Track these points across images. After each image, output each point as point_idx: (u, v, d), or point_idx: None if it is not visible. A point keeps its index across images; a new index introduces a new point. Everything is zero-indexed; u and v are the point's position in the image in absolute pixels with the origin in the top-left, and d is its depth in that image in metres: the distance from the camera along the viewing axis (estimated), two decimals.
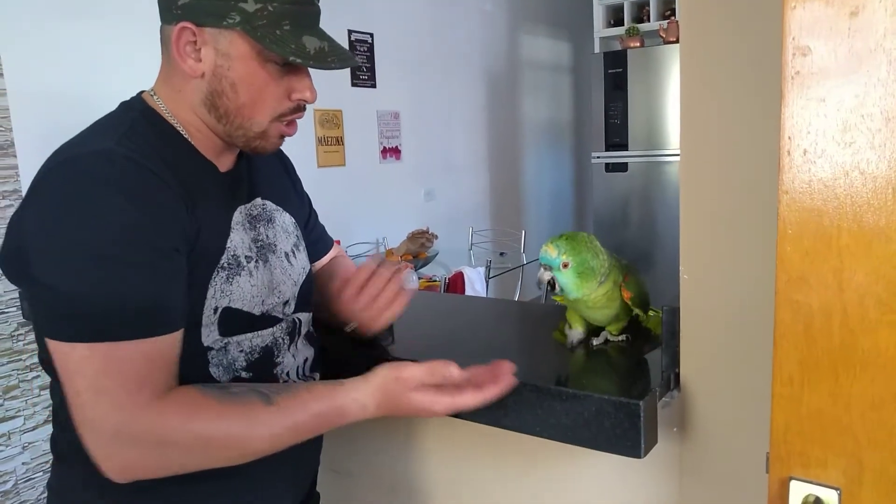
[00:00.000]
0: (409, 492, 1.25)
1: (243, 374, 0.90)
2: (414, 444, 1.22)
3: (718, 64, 0.81)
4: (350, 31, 3.82)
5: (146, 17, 0.87)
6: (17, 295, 2.16)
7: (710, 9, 0.81)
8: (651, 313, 1.02)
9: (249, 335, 0.90)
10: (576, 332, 1.01)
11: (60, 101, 2.30)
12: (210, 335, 0.86)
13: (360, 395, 0.84)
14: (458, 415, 0.93)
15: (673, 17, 4.60)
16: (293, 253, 1.00)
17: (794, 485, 0.62)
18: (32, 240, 0.76)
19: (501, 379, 0.83)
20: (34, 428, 2.28)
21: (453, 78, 4.63)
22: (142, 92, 0.91)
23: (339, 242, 1.25)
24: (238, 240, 0.89)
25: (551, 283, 0.91)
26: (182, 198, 0.81)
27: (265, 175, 1.01)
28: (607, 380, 0.92)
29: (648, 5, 4.73)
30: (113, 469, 0.76)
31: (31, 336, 2.25)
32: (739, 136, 0.80)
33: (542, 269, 0.91)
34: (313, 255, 1.12)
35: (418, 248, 3.54)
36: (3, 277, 2.16)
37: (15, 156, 2.19)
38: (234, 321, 0.88)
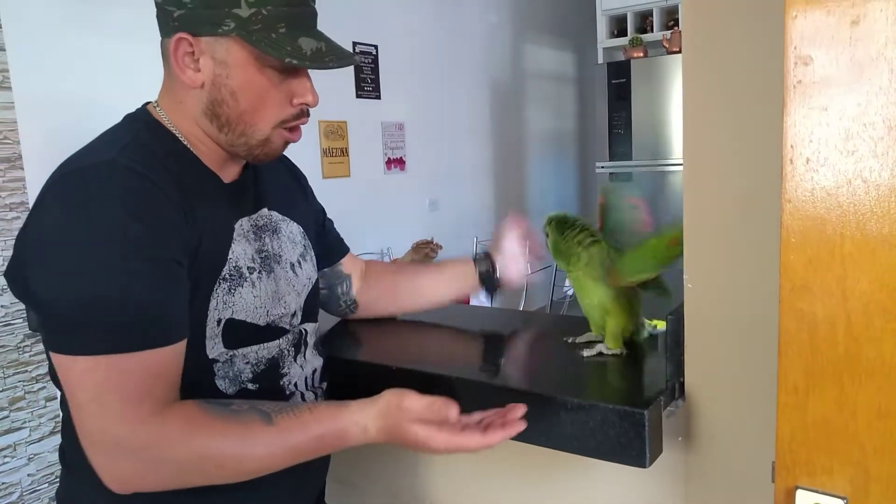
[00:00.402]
0: (414, 502, 1.25)
1: (250, 386, 0.90)
2: (419, 455, 1.22)
3: (721, 73, 0.81)
4: (355, 43, 3.84)
5: (154, 30, 0.87)
6: (23, 307, 2.17)
7: (713, 19, 0.81)
8: (655, 323, 1.01)
9: (255, 347, 0.90)
10: (588, 335, 1.03)
11: (68, 114, 2.32)
12: (215, 347, 0.86)
13: (362, 418, 0.82)
14: None
15: (676, 28, 4.61)
16: (299, 263, 1.00)
17: (800, 494, 0.62)
18: (35, 253, 0.77)
19: (510, 425, 0.80)
20: (40, 439, 2.28)
21: (458, 88, 4.65)
22: (146, 104, 0.92)
23: None
24: (240, 251, 0.89)
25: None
26: (183, 209, 0.81)
27: (272, 185, 1.00)
28: (612, 389, 0.92)
29: (652, 16, 4.74)
30: (112, 480, 0.76)
31: (38, 347, 2.26)
32: (742, 144, 0.80)
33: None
34: (330, 258, 1.14)
35: (423, 258, 3.54)
36: (9, 290, 2.17)
37: (22, 168, 2.21)
38: (238, 333, 0.88)
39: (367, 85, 3.95)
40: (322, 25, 0.89)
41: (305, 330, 0.99)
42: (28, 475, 2.26)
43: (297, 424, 0.80)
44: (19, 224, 2.19)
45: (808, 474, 0.61)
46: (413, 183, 4.29)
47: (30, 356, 2.25)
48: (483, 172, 4.97)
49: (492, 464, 1.13)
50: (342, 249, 1.18)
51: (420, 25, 4.32)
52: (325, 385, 1.03)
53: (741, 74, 0.80)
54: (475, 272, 1.17)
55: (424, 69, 4.34)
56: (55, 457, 2.30)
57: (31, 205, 2.30)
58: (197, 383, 0.83)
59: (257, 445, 0.78)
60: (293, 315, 0.96)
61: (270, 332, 0.92)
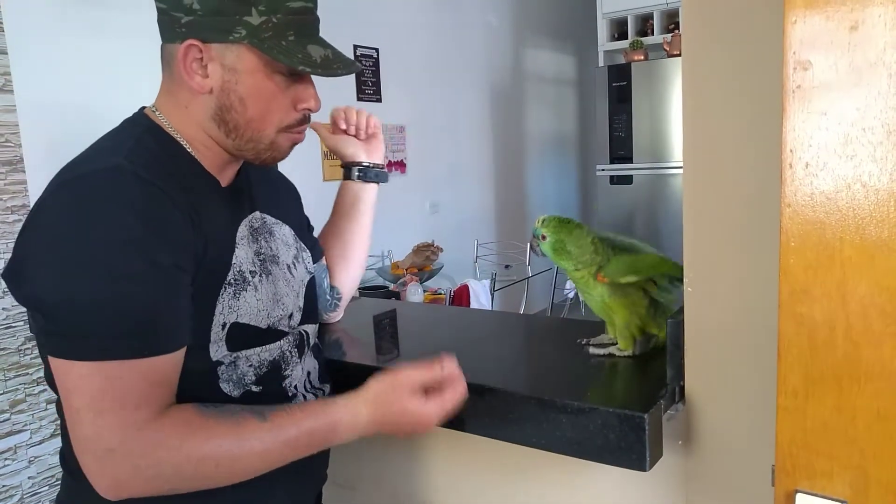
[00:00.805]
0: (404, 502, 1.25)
1: (253, 389, 0.90)
2: (418, 457, 1.22)
3: (721, 77, 0.81)
4: (356, 46, 3.85)
5: (156, 33, 0.88)
6: (25, 309, 2.17)
7: (712, 23, 0.81)
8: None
9: (257, 349, 0.90)
10: (603, 336, 1.04)
11: (69, 118, 2.32)
12: (218, 351, 0.86)
13: (353, 404, 0.85)
14: (462, 427, 0.94)
15: (676, 31, 4.62)
16: (294, 265, 1.01)
17: (800, 497, 0.62)
18: (36, 256, 0.77)
19: (452, 374, 0.87)
20: (41, 442, 2.28)
21: (458, 91, 4.66)
22: (143, 108, 0.92)
23: None
24: (243, 255, 0.90)
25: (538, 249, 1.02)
26: (189, 215, 0.81)
27: (263, 189, 1.02)
28: (612, 393, 0.92)
29: (652, 19, 4.75)
30: (105, 487, 0.76)
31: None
32: (742, 148, 0.81)
33: (532, 236, 1.03)
34: (314, 257, 1.14)
35: (423, 261, 3.54)
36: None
37: (24, 171, 2.21)
38: (241, 336, 0.88)
39: (368, 88, 3.96)
40: (323, 28, 0.89)
41: (306, 331, 1.00)
42: (29, 478, 2.26)
43: (288, 419, 0.82)
44: (20, 226, 2.19)
45: (808, 478, 0.61)
46: (414, 185, 4.29)
47: (31, 359, 2.25)
48: (484, 175, 4.98)
49: (491, 467, 1.13)
50: (320, 251, 1.19)
51: (421, 28, 4.33)
52: (327, 388, 1.03)
53: (741, 78, 0.80)
54: (355, 184, 1.20)
55: (425, 72, 4.35)
56: (56, 459, 2.30)
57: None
58: (201, 386, 0.83)
59: (252, 441, 0.79)
60: (290, 317, 0.96)
61: (271, 334, 0.93)
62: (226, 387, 0.88)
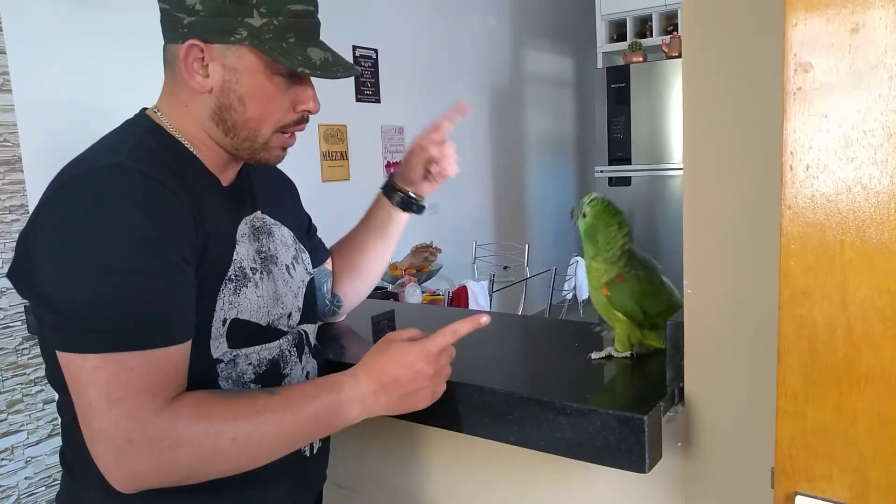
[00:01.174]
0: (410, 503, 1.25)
1: (252, 387, 0.91)
2: (417, 459, 1.22)
3: (721, 79, 0.81)
4: (354, 47, 3.85)
5: (154, 33, 0.88)
6: (22, 309, 2.17)
7: (713, 24, 0.81)
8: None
9: (257, 348, 0.91)
10: (609, 335, 1.04)
11: (68, 117, 2.32)
12: (219, 347, 0.87)
13: (351, 370, 0.86)
14: (461, 428, 0.93)
15: (675, 33, 4.62)
16: (293, 265, 1.02)
17: (799, 500, 0.62)
18: (45, 253, 0.77)
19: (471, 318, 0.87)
20: (38, 442, 2.28)
21: (457, 93, 4.65)
22: (144, 109, 0.92)
23: None
24: (244, 252, 0.91)
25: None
26: (191, 211, 0.82)
27: (263, 190, 1.02)
28: (611, 394, 0.92)
29: (651, 20, 4.76)
30: (121, 479, 0.76)
31: (36, 350, 2.25)
32: (742, 150, 0.81)
33: (576, 205, 1.02)
34: (316, 260, 1.15)
35: (422, 262, 3.54)
36: (8, 291, 2.17)
37: (22, 171, 2.21)
38: (242, 333, 0.89)
39: (367, 88, 3.96)
40: (322, 30, 0.90)
41: (305, 331, 1.01)
42: (25, 478, 2.25)
43: (295, 389, 0.84)
44: (19, 226, 2.19)
45: (808, 480, 0.61)
46: None
47: (28, 359, 2.24)
48: (482, 176, 4.98)
49: (491, 468, 1.13)
50: (325, 252, 1.20)
51: (420, 29, 4.33)
52: None
53: (741, 80, 0.80)
54: (394, 208, 1.18)
55: (424, 73, 4.35)
56: (53, 460, 2.29)
57: (30, 207, 2.30)
58: (200, 384, 0.83)
59: (265, 412, 0.80)
60: (289, 316, 0.97)
61: (270, 332, 0.93)
62: (225, 385, 0.88)
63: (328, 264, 1.20)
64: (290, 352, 0.96)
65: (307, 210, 1.17)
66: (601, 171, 4.73)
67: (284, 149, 0.93)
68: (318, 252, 1.17)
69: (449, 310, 2.74)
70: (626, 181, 4.63)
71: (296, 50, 0.84)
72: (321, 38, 0.89)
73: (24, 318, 2.16)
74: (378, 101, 4.03)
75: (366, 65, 3.93)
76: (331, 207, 3.47)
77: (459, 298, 3.39)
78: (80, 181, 0.79)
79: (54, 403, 2.28)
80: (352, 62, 0.92)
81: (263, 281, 0.92)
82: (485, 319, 0.88)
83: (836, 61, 0.55)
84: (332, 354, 1.11)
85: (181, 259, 0.80)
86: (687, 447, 0.89)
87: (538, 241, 5.36)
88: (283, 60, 0.83)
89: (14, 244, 2.18)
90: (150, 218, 0.77)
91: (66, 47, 2.36)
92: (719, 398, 0.86)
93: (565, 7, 5.72)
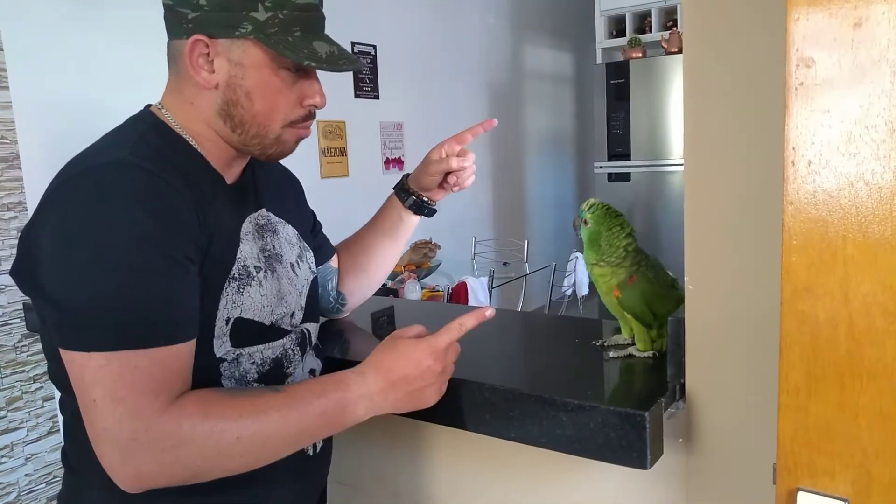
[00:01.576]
0: (415, 503, 1.25)
1: (255, 387, 0.90)
2: (418, 455, 1.22)
3: (722, 75, 0.81)
4: (353, 43, 3.84)
5: (152, 29, 0.88)
6: (21, 306, 2.17)
7: (714, 20, 0.81)
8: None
9: (261, 347, 0.91)
10: (617, 337, 1.02)
11: (66, 114, 2.32)
12: (222, 346, 0.86)
13: (357, 367, 0.85)
14: (462, 425, 0.93)
15: (675, 28, 4.62)
16: (297, 264, 1.01)
17: (801, 496, 0.61)
18: (48, 251, 0.77)
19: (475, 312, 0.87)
20: (37, 439, 2.28)
21: (456, 89, 4.65)
22: (149, 105, 0.92)
23: None
24: (248, 250, 0.90)
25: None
26: (194, 208, 0.81)
27: (268, 187, 1.02)
28: (612, 391, 0.92)
29: (650, 16, 4.75)
30: (126, 478, 0.75)
31: (36, 347, 2.25)
32: (744, 146, 0.80)
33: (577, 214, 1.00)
34: (321, 258, 1.14)
35: (421, 259, 3.54)
36: (7, 288, 2.16)
37: (20, 168, 2.20)
38: (245, 332, 0.88)
39: (366, 85, 3.95)
40: None
41: (308, 330, 1.00)
42: (26, 475, 2.26)
43: (301, 387, 0.83)
44: (17, 224, 2.18)
45: (810, 476, 0.61)
46: None
47: (27, 356, 2.24)
48: (481, 172, 4.97)
49: (492, 466, 1.13)
50: (330, 250, 1.20)
51: (419, 25, 4.32)
52: None
53: (743, 76, 0.80)
54: (406, 211, 1.18)
55: (423, 69, 4.35)
56: (53, 457, 2.29)
57: (29, 204, 2.29)
58: (203, 383, 0.82)
59: (270, 410, 0.79)
60: (292, 315, 0.96)
61: (274, 332, 0.93)
62: (227, 384, 0.88)
63: (333, 262, 1.19)
64: (293, 351, 0.96)
65: None
66: (600, 167, 4.73)
67: (298, 141, 0.92)
68: (323, 249, 1.17)
69: (449, 306, 2.74)
70: (625, 177, 4.63)
71: (301, 43, 0.84)
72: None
73: (22, 315, 2.15)
74: (377, 97, 4.02)
75: (365, 61, 3.92)
76: (330, 204, 3.47)
77: (459, 295, 3.39)
78: (82, 178, 0.78)
79: (54, 401, 2.29)
80: (356, 56, 0.91)
81: (267, 280, 0.92)
82: (489, 312, 0.88)
83: (838, 56, 0.55)
84: (336, 351, 1.10)
85: (184, 256, 0.79)
86: (688, 443, 0.89)
87: (538, 237, 5.36)
88: (288, 54, 0.83)
89: (13, 241, 2.18)
90: (152, 215, 0.77)
91: (65, 44, 2.36)
92: (721, 394, 0.86)
93: (564, 3, 5.71)
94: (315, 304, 1.05)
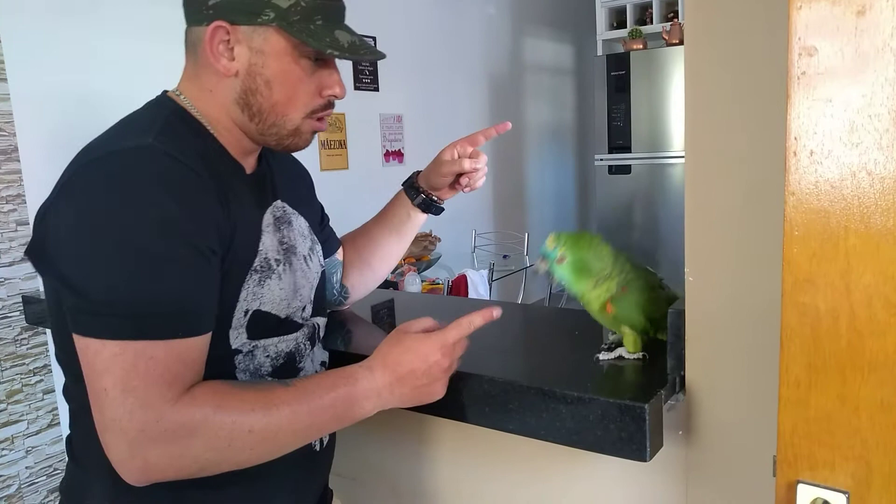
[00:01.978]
0: (413, 496, 1.25)
1: (268, 380, 0.90)
2: (418, 448, 1.22)
3: (723, 65, 0.81)
4: None
5: (151, 22, 0.87)
6: (20, 299, 2.16)
7: (715, 10, 0.80)
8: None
9: (275, 340, 0.90)
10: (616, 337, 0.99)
11: (65, 106, 2.31)
12: (238, 338, 0.85)
13: (365, 361, 0.84)
14: (462, 417, 0.93)
15: (676, 19, 4.60)
16: (309, 256, 1.00)
17: (801, 488, 0.61)
18: (68, 233, 0.75)
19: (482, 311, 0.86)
20: (38, 432, 2.28)
21: (456, 81, 4.63)
22: (165, 91, 0.90)
23: None
24: (269, 242, 0.89)
25: (550, 275, 0.92)
26: (219, 198, 0.80)
27: (282, 178, 1.01)
28: (612, 383, 0.92)
29: (651, 7, 4.73)
30: (134, 470, 0.74)
31: (35, 340, 2.25)
32: (745, 136, 0.80)
33: (539, 259, 0.92)
34: (327, 251, 1.14)
35: (421, 251, 3.54)
36: (6, 281, 2.16)
37: (18, 160, 2.19)
38: (262, 324, 0.87)
39: (366, 77, 3.94)
40: None
41: (318, 324, 1.00)
42: (26, 467, 2.26)
43: (311, 381, 0.82)
44: (16, 216, 2.18)
45: (810, 468, 0.61)
46: None
47: (27, 349, 2.24)
48: None
49: (492, 458, 1.13)
50: (337, 242, 1.19)
51: (418, 17, 4.30)
52: None
53: (744, 66, 0.79)
54: (414, 209, 1.19)
55: (423, 61, 4.33)
56: (53, 449, 2.30)
57: (27, 197, 2.28)
58: (217, 375, 0.81)
59: (281, 404, 0.78)
60: (304, 308, 0.96)
61: (288, 325, 0.92)
62: (242, 377, 0.87)
63: (339, 255, 1.19)
64: (304, 344, 0.95)
65: None
66: (601, 160, 4.72)
67: (314, 133, 0.92)
68: (329, 242, 1.16)
69: (449, 298, 2.74)
70: (626, 169, 4.62)
71: (323, 32, 0.83)
72: None
73: (21, 308, 2.15)
74: (377, 89, 4.01)
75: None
76: (329, 197, 3.46)
77: (459, 287, 3.39)
78: (107, 161, 0.76)
79: (54, 393, 2.29)
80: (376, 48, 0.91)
81: (286, 273, 0.91)
82: (496, 312, 0.87)
83: (841, 45, 0.54)
84: (340, 343, 1.10)
85: (207, 247, 0.78)
86: (688, 436, 0.89)
87: (538, 229, 5.35)
88: (311, 42, 0.82)
89: (12, 234, 2.18)
90: (177, 203, 0.75)
91: (63, 36, 2.35)
92: (721, 386, 0.86)
93: None
94: (323, 297, 1.04)
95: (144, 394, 0.72)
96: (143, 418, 0.72)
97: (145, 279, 0.73)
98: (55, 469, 2.31)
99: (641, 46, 4.54)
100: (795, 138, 0.57)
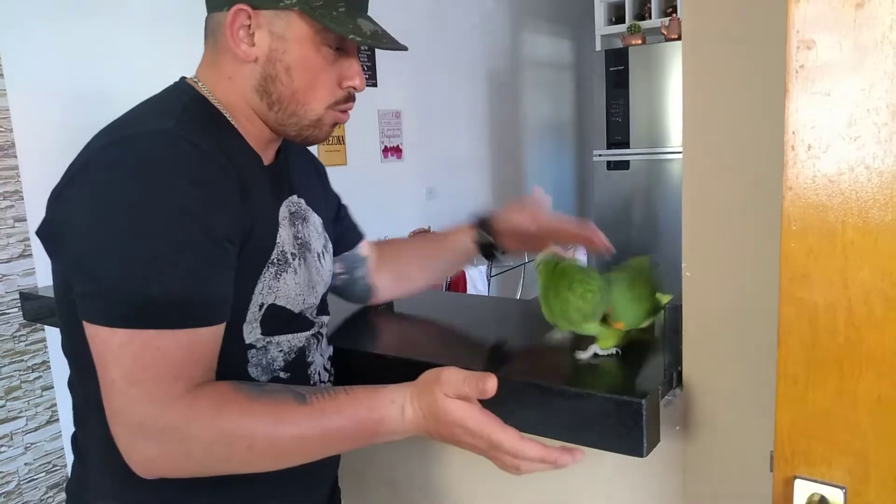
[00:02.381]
0: (411, 491, 1.25)
1: (281, 375, 0.88)
2: (415, 442, 1.22)
3: (721, 59, 0.80)
4: None
5: (150, 16, 0.86)
6: (17, 296, 2.16)
7: (713, 4, 0.80)
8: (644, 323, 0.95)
9: (289, 336, 0.89)
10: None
11: (61, 102, 2.30)
12: (252, 332, 0.84)
13: (399, 396, 0.77)
14: None
15: (674, 14, 4.58)
16: (322, 254, 0.99)
17: (798, 484, 0.61)
18: (83, 216, 0.73)
19: (571, 452, 0.75)
20: (36, 429, 2.28)
21: (454, 76, 4.62)
22: (184, 78, 0.89)
23: None
24: (286, 235, 0.88)
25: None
26: (238, 188, 0.78)
27: (298, 173, 0.99)
28: (609, 378, 0.92)
29: (650, 2, 4.72)
30: (137, 462, 0.73)
31: (34, 336, 2.25)
32: (743, 131, 0.80)
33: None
34: (347, 243, 1.13)
35: None
36: (4, 278, 2.16)
37: (15, 156, 2.18)
38: (276, 319, 0.86)
39: (364, 72, 3.92)
40: None
41: (323, 321, 0.99)
42: (25, 464, 2.26)
43: (331, 405, 0.76)
44: (13, 213, 2.17)
45: (807, 464, 0.61)
46: (410, 171, 4.27)
47: (25, 345, 2.24)
48: (480, 160, 4.96)
49: None
50: (358, 234, 1.17)
51: (417, 13, 4.29)
52: (333, 370, 1.02)
53: (742, 60, 0.79)
54: (474, 245, 1.17)
55: (421, 57, 4.32)
56: (52, 446, 2.29)
57: (25, 193, 2.27)
58: (230, 369, 0.80)
59: (288, 424, 0.74)
60: (314, 306, 0.95)
61: (301, 321, 0.91)
62: (254, 371, 0.85)
63: (361, 249, 1.17)
64: (312, 340, 0.95)
65: None
66: (599, 156, 4.71)
67: (334, 126, 0.90)
68: (350, 234, 1.15)
69: (448, 295, 2.74)
70: (624, 165, 4.61)
71: (346, 19, 0.82)
72: None
73: (19, 304, 2.15)
74: (375, 84, 4.00)
75: (362, 48, 3.90)
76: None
77: (458, 283, 3.39)
78: (126, 144, 0.75)
79: (52, 390, 2.28)
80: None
81: (301, 267, 0.90)
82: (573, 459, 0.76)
83: (839, 38, 0.54)
84: (332, 341, 1.10)
85: (224, 237, 0.76)
86: (685, 431, 0.89)
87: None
88: (334, 27, 0.80)
89: (9, 231, 2.17)
90: (196, 190, 0.73)
91: (61, 32, 2.34)
92: (718, 382, 0.85)
93: None
94: (327, 297, 1.03)
95: (149, 387, 0.71)
96: (143, 412, 0.71)
97: (157, 266, 0.71)
98: (54, 465, 2.31)
99: (640, 42, 4.53)
100: (793, 132, 0.56)
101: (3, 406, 2.20)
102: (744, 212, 0.80)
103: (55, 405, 2.31)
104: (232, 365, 0.81)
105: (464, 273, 3.42)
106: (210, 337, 0.75)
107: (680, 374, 0.88)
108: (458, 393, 0.74)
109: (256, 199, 0.82)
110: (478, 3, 4.83)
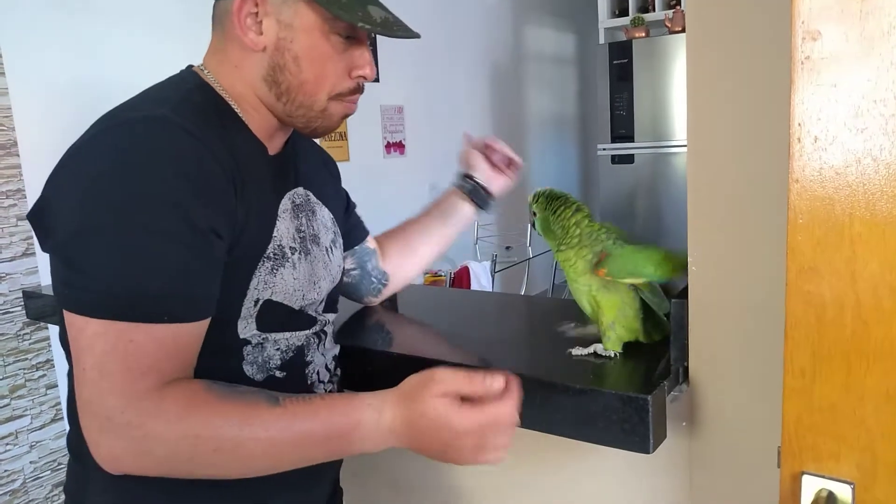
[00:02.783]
0: (413, 490, 1.24)
1: (277, 374, 0.87)
2: None
3: (725, 51, 0.79)
4: None
5: (151, 14, 0.85)
6: (21, 294, 2.16)
7: None
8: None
9: (286, 334, 0.87)
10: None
11: (64, 100, 2.30)
12: (247, 328, 0.82)
13: (377, 400, 0.74)
14: None
15: (678, 7, 4.56)
16: (331, 249, 0.97)
17: (806, 479, 0.61)
18: (69, 201, 0.72)
19: (496, 391, 0.73)
20: (41, 427, 2.29)
21: (457, 71, 4.61)
22: (190, 66, 0.88)
23: None
24: (284, 229, 0.86)
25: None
26: (233, 179, 0.77)
27: (307, 165, 0.98)
28: (615, 374, 0.91)
29: None
30: (103, 457, 0.71)
31: (38, 335, 2.25)
32: (748, 124, 0.79)
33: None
34: (356, 238, 1.13)
35: None
36: (8, 276, 2.16)
37: (18, 155, 2.19)
38: (272, 315, 0.84)
39: None
40: None
41: (328, 319, 0.97)
42: (30, 462, 2.26)
43: (305, 408, 0.73)
44: (16, 211, 2.17)
45: (815, 459, 0.60)
46: (413, 167, 4.26)
47: (29, 344, 2.24)
48: None
49: None
50: (365, 230, 1.17)
51: (419, 6, 4.28)
52: (339, 371, 1.01)
53: (747, 51, 0.78)
54: (463, 195, 1.20)
55: (424, 52, 4.31)
56: (57, 444, 2.30)
57: (27, 192, 2.27)
58: (223, 367, 0.79)
59: (258, 427, 0.71)
60: (321, 302, 0.93)
61: (301, 318, 0.89)
62: (249, 369, 0.84)
63: (369, 242, 1.16)
64: (313, 339, 0.93)
65: None
66: (603, 149, 4.69)
67: (343, 117, 0.89)
68: (357, 230, 1.14)
69: (452, 291, 2.74)
70: (629, 159, 4.59)
71: (355, 6, 0.80)
72: None
73: (23, 303, 2.15)
74: (377, 80, 3.99)
75: (371, 35, 3.89)
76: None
77: (462, 279, 3.39)
78: (117, 131, 0.74)
79: (57, 388, 2.29)
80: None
81: (301, 262, 0.88)
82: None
83: (845, 29, 0.53)
84: (345, 341, 1.09)
85: (211, 229, 0.74)
86: (692, 427, 0.88)
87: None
88: (342, 15, 0.78)
89: (12, 229, 2.17)
90: (185, 179, 0.72)
91: (62, 29, 2.33)
92: (725, 377, 0.85)
93: None
94: (336, 294, 1.01)
95: (118, 379, 0.69)
96: (110, 405, 0.69)
97: (135, 257, 0.70)
98: (59, 464, 2.32)
99: (644, 34, 4.51)
100: (799, 124, 0.56)
101: (8, 405, 2.21)
102: (750, 205, 0.80)
103: (59, 403, 2.31)
104: (226, 362, 0.80)
105: (468, 269, 3.42)
106: (188, 333, 0.73)
107: (686, 369, 0.87)
108: (452, 390, 0.72)
109: (253, 192, 0.80)
110: None
